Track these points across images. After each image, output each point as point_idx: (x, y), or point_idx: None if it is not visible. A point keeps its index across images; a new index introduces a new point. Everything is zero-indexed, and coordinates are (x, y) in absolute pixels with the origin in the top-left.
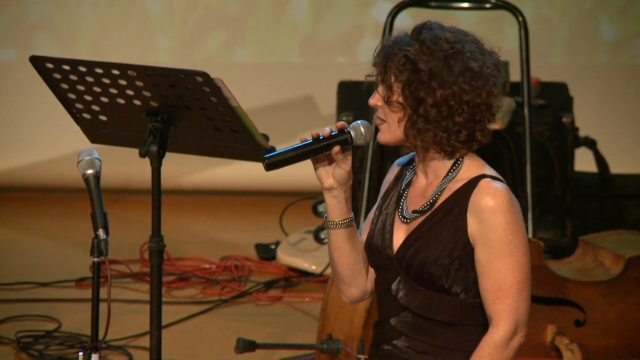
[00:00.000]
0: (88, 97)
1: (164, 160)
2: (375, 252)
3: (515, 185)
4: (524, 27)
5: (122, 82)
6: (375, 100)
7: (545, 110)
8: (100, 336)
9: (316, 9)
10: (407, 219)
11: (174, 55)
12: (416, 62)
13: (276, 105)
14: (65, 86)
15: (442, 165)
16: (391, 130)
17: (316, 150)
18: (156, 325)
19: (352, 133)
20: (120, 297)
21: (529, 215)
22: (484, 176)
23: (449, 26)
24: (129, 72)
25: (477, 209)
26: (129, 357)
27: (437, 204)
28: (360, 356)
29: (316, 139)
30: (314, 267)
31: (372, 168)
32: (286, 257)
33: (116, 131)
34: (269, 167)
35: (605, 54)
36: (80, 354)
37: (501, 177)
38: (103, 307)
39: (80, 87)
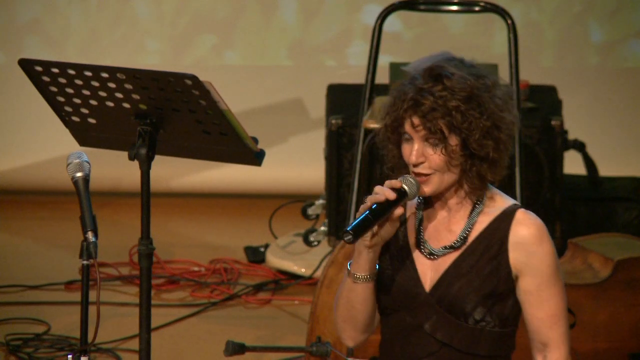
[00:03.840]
0: (77, 100)
1: (153, 163)
2: (397, 292)
3: (505, 188)
4: (513, 30)
5: (111, 85)
6: (420, 156)
7: (534, 113)
8: (90, 339)
9: (305, 13)
10: (435, 255)
11: (163, 59)
12: (464, 101)
13: (265, 108)
14: (54, 89)
15: (465, 200)
16: (442, 179)
17: (384, 214)
18: (145, 328)
19: (407, 189)
20: (109, 300)
21: None
22: (516, 206)
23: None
24: (118, 75)
25: (521, 242)
26: None
27: (470, 239)
28: (349, 359)
29: (383, 203)
30: (303, 270)
31: (361, 171)
32: (275, 259)
33: (105, 134)
34: (355, 238)
35: (595, 57)
36: (70, 356)
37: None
38: (92, 309)
39: (69, 90)
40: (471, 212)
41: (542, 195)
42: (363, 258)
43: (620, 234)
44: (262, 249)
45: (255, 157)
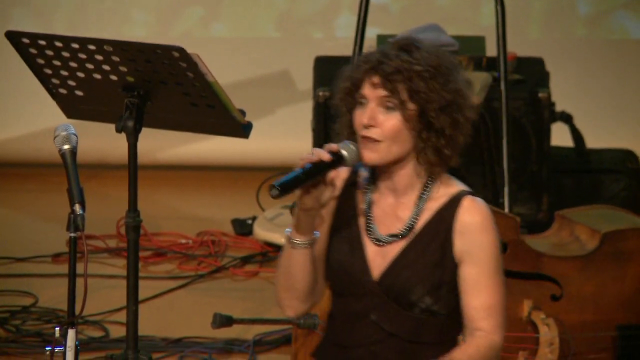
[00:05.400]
0: (64, 72)
1: (140, 136)
2: (345, 277)
3: (492, 161)
4: (500, 1)
5: (99, 57)
6: (372, 118)
7: (521, 86)
8: (77, 311)
9: None
10: (382, 242)
11: (150, 30)
12: (429, 71)
13: (253, 80)
14: (41, 61)
15: (415, 182)
16: (390, 149)
17: (317, 175)
18: (133, 301)
19: (346, 154)
20: (96, 272)
21: (505, 190)
22: (464, 193)
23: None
24: (105, 47)
25: (465, 229)
26: (106, 332)
27: (417, 226)
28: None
29: (317, 164)
30: None
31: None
32: (263, 232)
33: (92, 106)
34: (281, 193)
35: (582, 29)
36: (57, 329)
37: (472, 190)
38: (80, 282)
39: (57, 62)
40: (419, 199)
41: (529, 167)
42: (299, 222)
43: (607, 205)
44: (249, 222)
45: (242, 130)
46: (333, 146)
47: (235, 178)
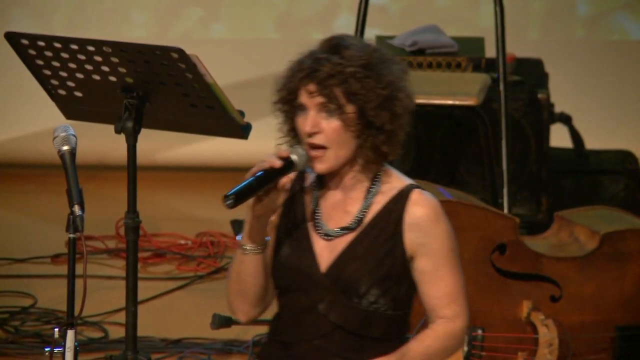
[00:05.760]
0: (63, 73)
1: (140, 137)
2: (292, 272)
3: (491, 162)
4: (499, 2)
5: (98, 58)
6: (315, 126)
7: (520, 87)
8: (76, 312)
9: None
10: (331, 236)
11: (149, 31)
12: (362, 70)
13: (252, 81)
14: (40, 62)
15: (363, 178)
16: (337, 155)
17: (269, 182)
18: (132, 301)
19: (296, 159)
20: (96, 273)
21: (505, 191)
22: (412, 186)
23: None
24: (104, 48)
25: (416, 222)
26: (105, 333)
27: (367, 219)
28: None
29: (269, 171)
30: None
31: None
32: None
33: (92, 107)
34: (236, 203)
35: (581, 30)
36: (56, 330)
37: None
38: (79, 283)
39: (56, 64)
40: (367, 193)
41: (529, 168)
42: (251, 229)
43: (606, 206)
44: None
45: (241, 130)
46: (283, 152)
47: (235, 179)
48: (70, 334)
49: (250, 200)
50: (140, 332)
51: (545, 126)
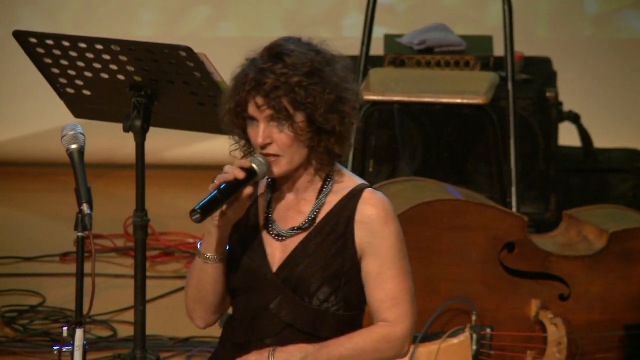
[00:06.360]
0: (71, 72)
1: (148, 135)
2: (245, 273)
3: (500, 160)
4: (507, 1)
5: (106, 56)
6: (267, 137)
7: (529, 85)
8: (85, 311)
9: None
10: (283, 236)
11: (157, 30)
12: (306, 78)
13: None
14: (48, 61)
15: (315, 179)
16: (292, 160)
17: (233, 193)
18: (140, 300)
19: (257, 168)
20: (104, 272)
21: (513, 189)
22: (364, 186)
23: (291, 41)
24: (112, 46)
25: (365, 220)
26: (113, 332)
27: (318, 218)
28: None
29: (231, 182)
30: None
31: (355, 142)
32: None
33: (100, 106)
34: (202, 217)
35: (589, 28)
36: (65, 328)
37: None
38: (87, 281)
39: (64, 62)
40: (319, 193)
41: (537, 166)
42: (212, 238)
43: (614, 205)
44: None
45: None
46: (244, 162)
47: None
48: (78, 332)
49: (217, 213)
50: (149, 331)
51: (553, 124)
